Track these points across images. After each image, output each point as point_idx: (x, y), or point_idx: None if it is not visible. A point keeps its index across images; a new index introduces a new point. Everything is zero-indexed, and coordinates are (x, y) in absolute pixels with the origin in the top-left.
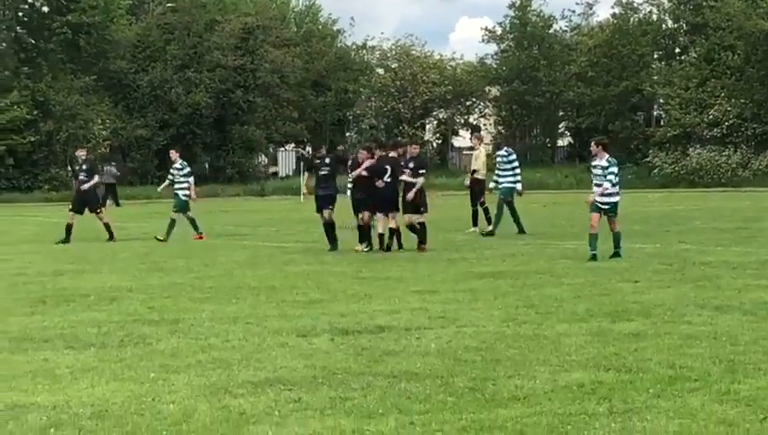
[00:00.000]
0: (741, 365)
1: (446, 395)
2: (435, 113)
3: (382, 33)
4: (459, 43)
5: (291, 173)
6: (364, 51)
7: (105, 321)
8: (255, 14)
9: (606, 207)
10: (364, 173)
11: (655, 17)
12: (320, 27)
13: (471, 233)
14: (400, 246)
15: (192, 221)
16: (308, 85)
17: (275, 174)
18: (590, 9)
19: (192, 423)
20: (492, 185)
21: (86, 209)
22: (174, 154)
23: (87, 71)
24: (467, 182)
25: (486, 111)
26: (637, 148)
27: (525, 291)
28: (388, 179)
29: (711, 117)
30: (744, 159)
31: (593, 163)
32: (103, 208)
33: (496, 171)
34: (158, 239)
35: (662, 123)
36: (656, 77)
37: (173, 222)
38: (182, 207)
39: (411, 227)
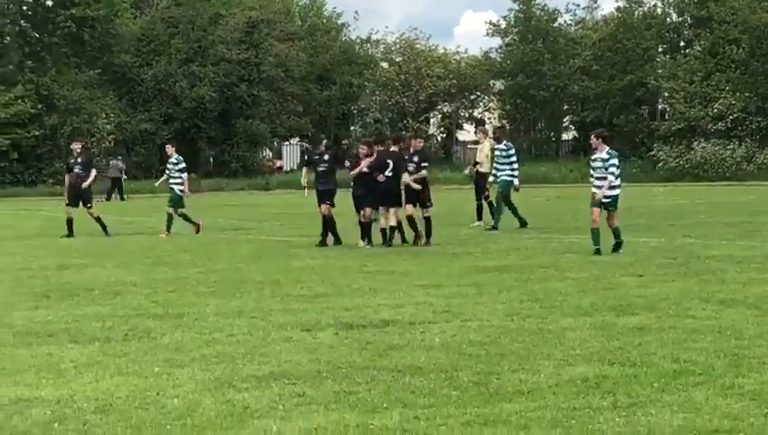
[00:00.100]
0: (745, 359)
1: (450, 389)
2: (439, 107)
3: (387, 26)
4: (464, 36)
5: (295, 167)
6: (368, 45)
7: (109, 315)
8: (260, 7)
9: (606, 200)
10: (364, 170)
11: (659, 11)
12: (324, 21)
13: (475, 227)
14: (404, 241)
15: (185, 217)
16: (312, 79)
17: (281, 168)
18: (595, 3)
19: (196, 417)
20: (491, 179)
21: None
22: (170, 148)
23: (91, 65)
24: (467, 171)
25: (491, 104)
26: (641, 141)
27: (530, 285)
28: (390, 173)
29: (715, 111)
30: (749, 152)
31: (593, 156)
32: (106, 202)
33: (495, 165)
34: (162, 235)
35: (666, 117)
36: (660, 71)
37: (170, 217)
38: (177, 202)
39: (410, 220)
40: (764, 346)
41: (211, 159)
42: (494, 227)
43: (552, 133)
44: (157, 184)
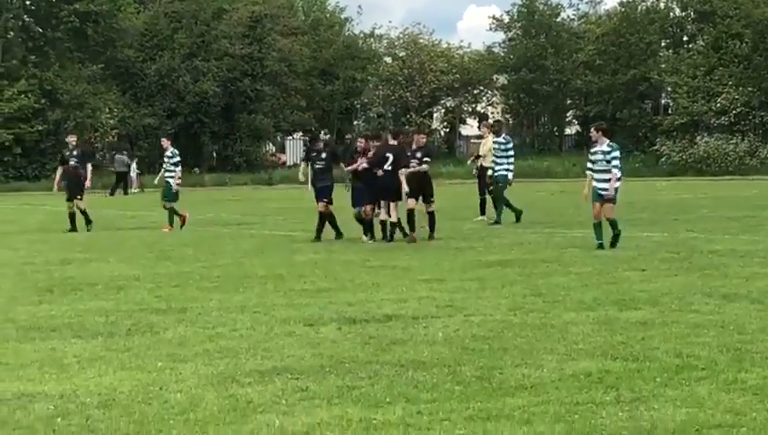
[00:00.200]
0: (748, 354)
1: (453, 384)
2: (442, 102)
3: (390, 21)
4: (467, 31)
5: (298, 162)
6: (372, 39)
7: (112, 310)
8: (263, 2)
9: (605, 193)
10: (364, 165)
11: (662, 5)
12: (327, 16)
13: (479, 222)
14: (405, 235)
15: (172, 211)
16: (316, 74)
17: (284, 163)
18: None
19: (199, 412)
20: (489, 172)
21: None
22: (165, 142)
23: (94, 59)
24: (470, 162)
25: (494, 99)
26: (644, 136)
27: (533, 280)
28: (389, 168)
29: (718, 105)
30: (752, 147)
31: (593, 149)
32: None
33: (492, 158)
34: (164, 230)
35: (670, 111)
36: (663, 65)
37: (171, 211)
38: (169, 195)
39: (410, 214)
40: (767, 341)
41: (214, 154)
42: (497, 222)
43: (556, 128)
44: (156, 181)
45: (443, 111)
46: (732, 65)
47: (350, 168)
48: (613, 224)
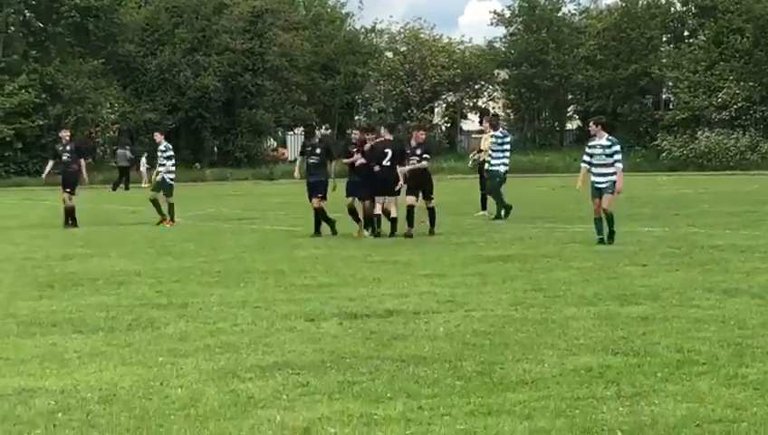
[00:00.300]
0: (749, 349)
1: (454, 379)
2: (443, 97)
3: (391, 16)
4: (468, 26)
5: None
6: (373, 34)
7: (113, 305)
8: None
9: (603, 185)
10: (361, 161)
11: (663, 0)
12: (328, 10)
13: (480, 217)
14: (393, 231)
15: (155, 203)
16: (317, 69)
17: (286, 158)
18: None
19: (200, 407)
20: (486, 166)
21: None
22: (159, 136)
23: (95, 54)
24: (472, 156)
25: (495, 94)
26: (645, 131)
27: (534, 275)
28: (388, 163)
29: (720, 100)
30: (753, 142)
31: (591, 143)
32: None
33: (489, 153)
34: (166, 225)
35: (671, 106)
36: (664, 60)
37: (171, 206)
38: (166, 188)
39: (409, 211)
40: None
41: (215, 149)
42: (498, 217)
43: (557, 123)
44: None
45: (444, 106)
46: (733, 60)
47: (347, 161)
48: (610, 220)
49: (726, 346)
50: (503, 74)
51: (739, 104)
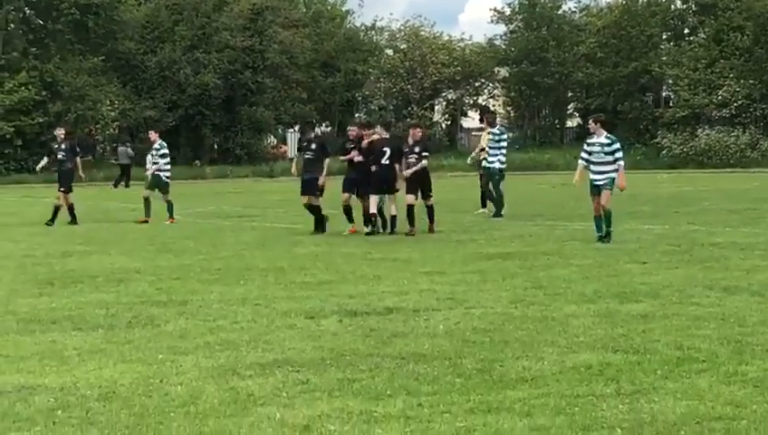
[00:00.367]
0: (748, 346)
1: (454, 376)
2: (444, 94)
3: (391, 13)
4: (468, 23)
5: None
6: (373, 32)
7: (113, 302)
8: None
9: (601, 182)
10: (359, 159)
11: None
12: (329, 8)
13: (480, 214)
14: (383, 227)
15: (146, 202)
16: (317, 66)
17: (285, 153)
18: None
19: (200, 405)
20: (484, 163)
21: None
22: (153, 135)
23: (95, 51)
24: (474, 155)
25: (495, 91)
26: (645, 128)
27: (534, 272)
28: (386, 161)
29: (720, 98)
30: (753, 139)
31: (590, 141)
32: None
33: (487, 149)
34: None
35: (671, 104)
36: (664, 58)
37: (169, 203)
38: (162, 186)
39: (410, 210)
40: (767, 333)
41: (215, 146)
42: (498, 215)
43: (557, 120)
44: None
45: (444, 103)
46: (733, 58)
47: (344, 158)
48: (608, 218)
49: (726, 344)
50: (503, 72)
51: (739, 102)
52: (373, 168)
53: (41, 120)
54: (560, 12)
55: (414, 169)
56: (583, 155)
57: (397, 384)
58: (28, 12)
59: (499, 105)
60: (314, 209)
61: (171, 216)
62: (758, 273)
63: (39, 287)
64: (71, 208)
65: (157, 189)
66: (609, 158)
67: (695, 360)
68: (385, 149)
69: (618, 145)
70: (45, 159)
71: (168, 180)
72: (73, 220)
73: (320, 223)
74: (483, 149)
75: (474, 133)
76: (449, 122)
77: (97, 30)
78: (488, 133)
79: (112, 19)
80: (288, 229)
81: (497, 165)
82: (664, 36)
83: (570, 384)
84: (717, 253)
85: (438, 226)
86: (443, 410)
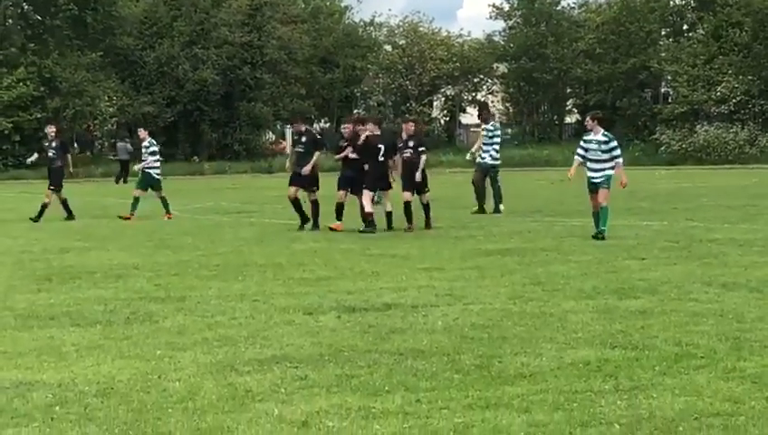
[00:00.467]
0: (747, 343)
1: (452, 372)
2: (442, 90)
3: (390, 9)
4: (467, 19)
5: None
6: (372, 27)
7: (111, 298)
8: None
9: (598, 180)
10: (352, 156)
11: None
12: (327, 4)
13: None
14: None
15: (135, 200)
16: (315, 62)
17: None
18: None
19: (198, 401)
20: (478, 159)
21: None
22: (143, 133)
23: (94, 47)
24: (472, 150)
25: (494, 88)
26: (644, 125)
27: (532, 268)
28: (382, 158)
29: (718, 94)
30: (752, 136)
31: (587, 138)
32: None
33: (481, 146)
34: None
35: (669, 100)
36: (663, 54)
37: (163, 199)
38: (154, 184)
39: (407, 207)
40: (766, 329)
41: (214, 142)
42: (497, 211)
43: (555, 117)
44: (137, 168)
45: (443, 99)
46: (732, 54)
47: (338, 156)
48: (604, 216)
49: (724, 340)
50: (501, 68)
51: (738, 98)
52: (366, 166)
53: (39, 116)
54: (558, 8)
55: (420, 168)
56: (579, 151)
57: (395, 380)
58: (26, 7)
59: (498, 101)
60: (294, 203)
61: (168, 211)
62: (756, 269)
63: (37, 283)
64: (64, 204)
65: (150, 189)
66: (606, 156)
67: (693, 356)
68: (379, 146)
69: (615, 143)
70: (35, 155)
71: (159, 177)
72: (70, 215)
73: (300, 214)
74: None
75: (472, 129)
76: (448, 118)
77: (95, 25)
78: (482, 129)
79: (110, 15)
80: (286, 225)
81: (489, 160)
82: (663, 32)
83: (568, 380)
84: (716, 249)
85: (437, 222)
86: (441, 405)
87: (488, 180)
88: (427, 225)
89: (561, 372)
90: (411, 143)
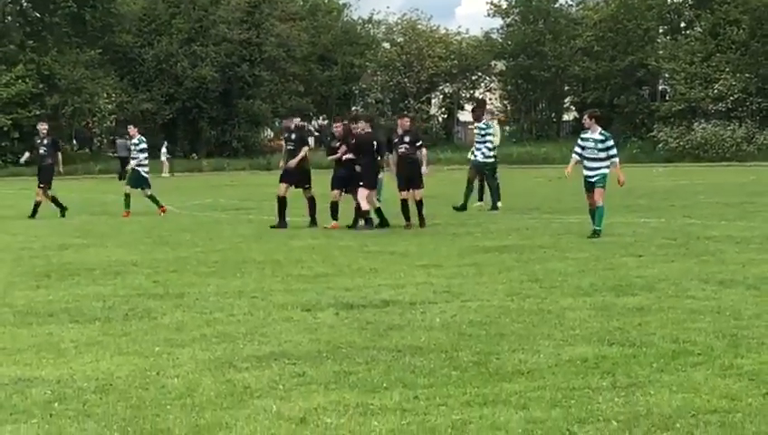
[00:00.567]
0: (744, 340)
1: (450, 369)
2: (440, 88)
3: (388, 7)
4: (465, 17)
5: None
6: (370, 25)
7: (110, 295)
8: None
9: (594, 178)
10: (348, 156)
11: None
12: (326, 1)
13: (477, 208)
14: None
15: (126, 197)
16: (314, 59)
17: None
18: None
19: (196, 397)
20: (472, 157)
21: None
22: (132, 130)
23: (92, 44)
24: (471, 156)
25: (492, 85)
26: (642, 122)
27: (530, 265)
28: (376, 156)
29: (716, 91)
30: (749, 133)
31: (584, 136)
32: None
33: (475, 143)
34: (158, 213)
35: (667, 98)
36: (661, 52)
37: (152, 197)
38: (142, 181)
39: (404, 205)
40: (763, 326)
41: (212, 139)
42: (494, 208)
43: (553, 114)
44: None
45: (441, 96)
46: (729, 51)
47: (332, 157)
48: (599, 216)
49: (722, 337)
50: (499, 65)
51: (735, 96)
52: (357, 167)
53: (38, 113)
54: (556, 5)
55: (425, 163)
56: (577, 149)
57: (393, 377)
58: (25, 4)
59: (496, 99)
60: (280, 201)
61: (159, 206)
62: (753, 266)
63: (36, 280)
64: (54, 200)
65: (139, 188)
66: (602, 154)
67: (690, 353)
68: (373, 142)
69: (611, 142)
70: (27, 154)
71: (147, 175)
72: (62, 211)
73: (281, 215)
74: None
75: (470, 127)
76: (446, 116)
77: (94, 23)
78: (474, 127)
79: (109, 12)
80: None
81: (481, 158)
82: (660, 30)
83: (565, 377)
84: (713, 246)
85: (435, 219)
86: (439, 402)
87: (484, 178)
88: (421, 223)
89: (559, 369)
90: (407, 138)
